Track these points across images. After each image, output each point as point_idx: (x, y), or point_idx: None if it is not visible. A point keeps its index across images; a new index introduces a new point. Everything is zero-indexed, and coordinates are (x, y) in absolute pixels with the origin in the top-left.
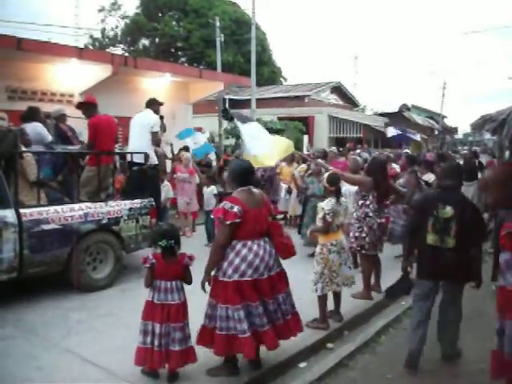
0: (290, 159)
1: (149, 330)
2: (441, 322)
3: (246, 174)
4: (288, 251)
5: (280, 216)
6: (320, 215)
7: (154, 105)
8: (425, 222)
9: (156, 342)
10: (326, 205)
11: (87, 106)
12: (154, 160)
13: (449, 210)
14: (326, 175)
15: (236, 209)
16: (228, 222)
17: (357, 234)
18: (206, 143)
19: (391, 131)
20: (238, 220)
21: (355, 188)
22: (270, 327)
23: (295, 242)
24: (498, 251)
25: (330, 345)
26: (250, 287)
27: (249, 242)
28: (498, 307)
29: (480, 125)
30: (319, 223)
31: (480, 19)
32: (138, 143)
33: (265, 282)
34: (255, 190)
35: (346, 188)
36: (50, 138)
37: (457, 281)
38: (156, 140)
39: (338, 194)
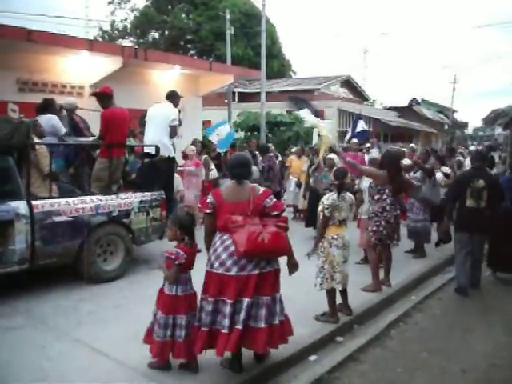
0: (300, 153)
1: (169, 323)
2: (472, 263)
3: (235, 167)
4: (235, 248)
5: (290, 209)
6: (319, 208)
7: (174, 98)
8: (463, 191)
9: (183, 333)
10: (327, 199)
11: (101, 97)
12: (171, 152)
13: (481, 182)
14: (334, 169)
15: (209, 200)
16: (203, 211)
17: (374, 228)
18: (229, 133)
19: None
20: (208, 211)
21: (368, 183)
22: (227, 330)
23: (300, 235)
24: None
25: (339, 338)
26: (214, 281)
27: (225, 236)
28: None
29: (492, 119)
30: (319, 217)
31: (492, 13)
32: (155, 135)
33: (231, 279)
34: (246, 184)
35: (365, 184)
36: (64, 130)
37: (485, 232)
38: (173, 133)
39: (340, 188)
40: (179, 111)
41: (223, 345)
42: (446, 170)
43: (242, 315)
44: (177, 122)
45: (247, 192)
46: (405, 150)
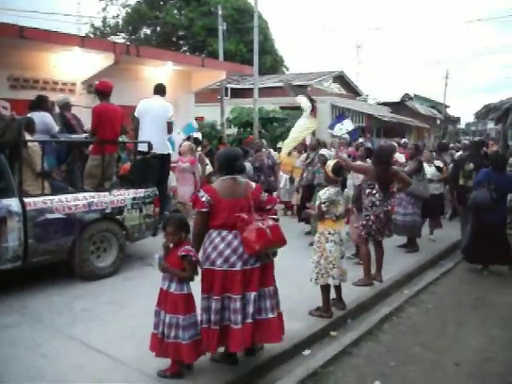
0: (290, 150)
1: (195, 321)
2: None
3: (228, 163)
4: (247, 246)
5: (281, 206)
6: (316, 203)
7: (163, 92)
8: (458, 172)
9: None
10: (323, 194)
11: (98, 92)
12: (169, 149)
13: (471, 166)
14: (330, 164)
15: (204, 198)
16: (196, 210)
17: (364, 223)
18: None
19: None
20: (205, 209)
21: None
22: (220, 327)
23: (293, 230)
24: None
25: (333, 333)
26: (219, 278)
27: (224, 232)
28: None
29: (484, 114)
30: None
31: (483, 8)
32: (155, 133)
33: (237, 273)
34: (240, 180)
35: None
36: (56, 128)
37: None
38: (171, 130)
39: (343, 183)
40: None
41: (239, 341)
42: (439, 163)
43: (251, 309)
44: (174, 119)
45: (243, 188)
46: (395, 144)
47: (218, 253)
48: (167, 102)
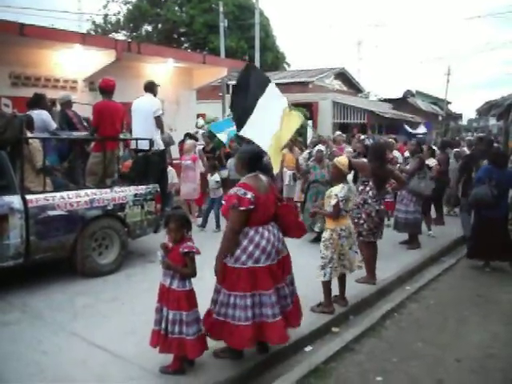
0: (291, 146)
1: (198, 317)
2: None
3: (255, 160)
4: (302, 228)
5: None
6: (333, 202)
7: (152, 88)
8: (471, 166)
9: (201, 326)
10: (340, 191)
11: (101, 90)
12: (160, 145)
13: (485, 162)
14: (344, 160)
15: (250, 195)
16: (243, 209)
17: (355, 221)
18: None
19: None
20: (252, 206)
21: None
22: (281, 318)
23: None
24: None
25: (335, 329)
26: (265, 274)
27: (260, 229)
28: None
29: (486, 110)
30: (330, 209)
31: (483, 4)
32: (142, 129)
33: (276, 266)
34: (262, 176)
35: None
36: (54, 125)
37: None
38: (159, 124)
39: (355, 177)
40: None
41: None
42: (432, 162)
43: (290, 290)
44: (160, 112)
45: (267, 183)
46: (393, 141)
47: (261, 250)
48: (154, 98)
